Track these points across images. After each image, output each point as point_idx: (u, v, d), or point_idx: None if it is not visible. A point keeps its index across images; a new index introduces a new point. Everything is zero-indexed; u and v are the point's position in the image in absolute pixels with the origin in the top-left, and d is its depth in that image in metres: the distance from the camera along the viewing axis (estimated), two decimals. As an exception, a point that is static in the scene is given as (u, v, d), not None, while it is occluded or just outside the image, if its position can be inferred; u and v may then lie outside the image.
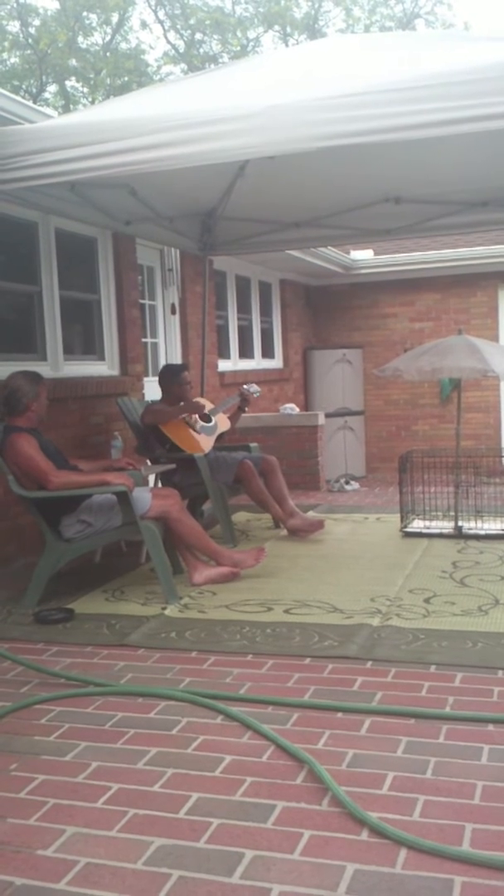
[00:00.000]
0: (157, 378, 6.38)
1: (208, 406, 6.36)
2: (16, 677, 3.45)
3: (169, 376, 6.19)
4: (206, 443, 6.12)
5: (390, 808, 2.31)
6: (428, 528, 6.09)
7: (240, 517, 6.85)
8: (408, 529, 6.09)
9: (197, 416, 6.11)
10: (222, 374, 8.62)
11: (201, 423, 6.20)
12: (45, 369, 5.64)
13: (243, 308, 9.76)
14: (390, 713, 2.93)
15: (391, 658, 3.49)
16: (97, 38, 25.03)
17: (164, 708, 3.07)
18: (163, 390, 6.21)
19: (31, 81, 24.08)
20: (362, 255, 10.99)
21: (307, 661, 3.52)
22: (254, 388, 6.64)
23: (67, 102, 24.21)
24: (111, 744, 2.79)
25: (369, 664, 3.44)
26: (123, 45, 25.12)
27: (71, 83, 24.82)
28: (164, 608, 4.34)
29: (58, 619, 4.19)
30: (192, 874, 2.05)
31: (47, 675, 3.43)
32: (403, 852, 2.10)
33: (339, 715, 2.95)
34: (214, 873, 2.05)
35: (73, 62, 23.72)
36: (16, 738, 2.86)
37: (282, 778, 2.51)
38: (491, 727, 2.80)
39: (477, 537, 5.83)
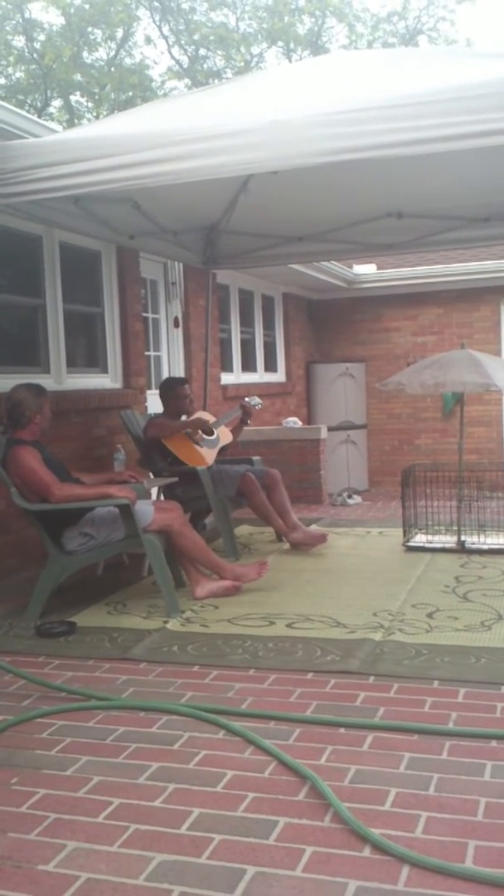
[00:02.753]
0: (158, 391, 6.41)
1: (210, 419, 6.37)
2: (17, 691, 3.44)
3: (168, 390, 6.23)
4: (209, 456, 6.12)
5: (393, 824, 2.30)
6: (430, 542, 6.08)
7: (242, 530, 6.84)
8: (410, 544, 6.08)
9: (200, 430, 6.11)
10: (225, 388, 8.63)
11: (204, 436, 6.21)
12: (48, 382, 5.66)
13: (246, 321, 9.78)
14: (393, 729, 2.92)
15: (394, 673, 3.47)
16: (102, 53, 25.22)
17: (165, 722, 3.06)
18: (163, 404, 6.24)
19: (36, 96, 24.22)
20: (365, 270, 11.02)
21: (309, 675, 3.51)
22: (255, 400, 6.64)
23: (72, 117, 24.34)
24: (113, 758, 2.78)
25: (372, 679, 3.43)
26: (128, 61, 25.29)
27: (75, 98, 24.98)
28: (166, 622, 4.33)
29: (59, 633, 4.19)
30: (194, 890, 2.04)
31: (49, 688, 3.42)
32: (406, 869, 2.09)
33: (342, 730, 2.94)
34: (216, 889, 2.04)
35: (78, 77, 23.87)
36: (17, 752, 2.85)
37: (284, 794, 2.50)
38: (494, 743, 2.78)
39: (480, 552, 5.82)
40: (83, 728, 3.04)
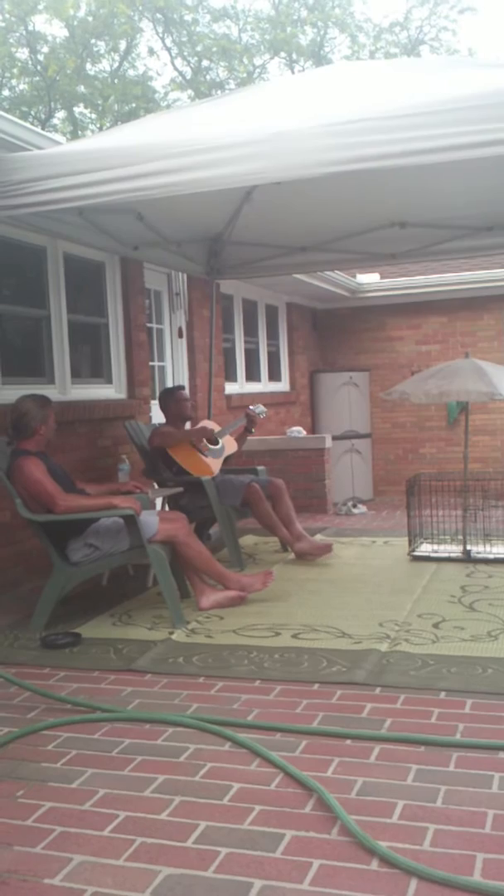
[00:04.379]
0: (158, 401, 6.44)
1: (215, 428, 6.38)
2: (22, 702, 3.43)
3: (167, 396, 6.26)
4: (214, 465, 6.12)
5: (400, 837, 2.29)
6: (436, 552, 6.07)
7: (247, 540, 6.84)
8: (416, 553, 6.07)
9: (205, 439, 6.12)
10: (229, 397, 8.64)
11: (208, 445, 6.21)
12: (52, 392, 5.67)
13: (250, 331, 9.79)
14: (400, 740, 2.91)
15: (400, 684, 3.46)
16: (105, 64, 25.35)
17: (171, 734, 3.05)
18: (164, 412, 6.26)
19: (40, 108, 24.33)
20: (368, 279, 11.04)
21: (315, 686, 3.49)
22: (260, 409, 6.64)
23: (76, 128, 24.45)
24: (118, 771, 2.77)
25: (378, 690, 3.42)
26: (131, 72, 25.41)
27: (79, 109, 25.09)
28: (171, 633, 4.32)
29: (64, 644, 4.18)
30: (201, 905, 2.03)
31: (54, 700, 3.41)
32: (414, 882, 2.07)
33: (348, 742, 2.93)
34: (223, 904, 2.03)
35: (82, 89, 23.99)
36: (22, 765, 2.84)
37: (290, 806, 2.49)
38: (502, 755, 2.77)
39: (486, 561, 5.80)
40: (89, 740, 3.03)
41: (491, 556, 5.85)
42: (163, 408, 6.28)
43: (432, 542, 6.24)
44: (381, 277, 11.07)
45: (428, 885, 2.06)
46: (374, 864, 2.16)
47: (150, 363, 7.36)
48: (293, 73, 24.99)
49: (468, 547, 5.97)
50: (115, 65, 25.33)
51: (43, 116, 24.20)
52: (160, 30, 25.51)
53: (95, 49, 24.44)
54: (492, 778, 2.60)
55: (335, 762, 2.77)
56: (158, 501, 6.03)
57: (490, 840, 2.26)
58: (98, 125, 24.46)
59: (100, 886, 2.12)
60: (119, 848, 2.30)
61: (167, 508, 6.01)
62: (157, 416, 6.95)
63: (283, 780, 2.66)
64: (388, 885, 2.07)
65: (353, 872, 2.13)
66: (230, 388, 8.89)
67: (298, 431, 9.27)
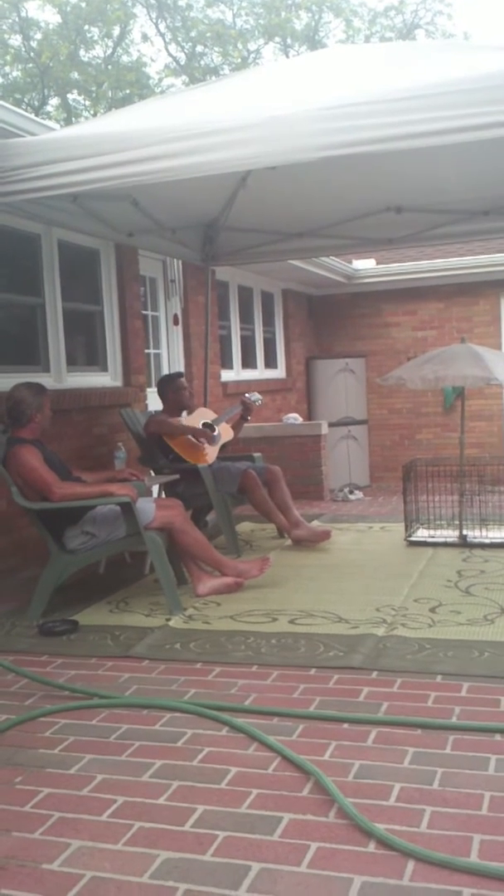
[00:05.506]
0: (157, 388, 6.42)
1: (211, 416, 6.37)
2: (20, 690, 3.44)
3: (166, 384, 6.24)
4: (210, 453, 6.12)
5: (397, 819, 2.30)
6: (432, 537, 6.08)
7: (244, 527, 6.84)
8: (412, 538, 6.08)
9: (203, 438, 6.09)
10: (225, 385, 8.63)
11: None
12: (48, 380, 5.65)
13: (246, 318, 9.77)
14: (397, 724, 2.92)
15: (397, 668, 3.47)
16: (98, 51, 25.18)
17: (169, 720, 3.06)
18: (162, 399, 6.24)
19: (34, 94, 24.20)
20: (364, 265, 11.00)
21: (312, 671, 3.50)
22: (255, 396, 6.64)
23: (69, 115, 24.31)
24: (116, 756, 2.78)
25: (375, 674, 3.43)
26: (125, 58, 25.25)
27: (73, 96, 24.94)
28: (168, 619, 4.33)
29: (62, 631, 4.18)
30: (199, 887, 2.04)
31: (52, 687, 3.42)
32: (411, 864, 2.09)
33: (345, 726, 2.94)
34: (221, 886, 2.04)
35: (75, 75, 23.84)
36: (20, 751, 2.85)
37: (288, 790, 2.50)
38: (498, 737, 2.78)
39: (482, 546, 5.82)
40: (86, 726, 3.03)
41: (487, 541, 5.87)
42: (161, 395, 6.26)
43: (429, 528, 6.25)
44: (377, 263, 11.04)
45: (425, 867, 2.07)
46: (372, 847, 2.17)
47: (146, 350, 7.35)
48: (287, 57, 24.86)
49: (464, 532, 5.98)
50: (109, 51, 25.17)
51: (36, 103, 24.07)
52: (154, 15, 25.35)
53: (89, 35, 24.27)
54: (488, 760, 2.61)
55: (332, 746, 2.77)
56: (155, 489, 6.03)
57: (487, 822, 2.27)
58: (92, 112, 24.32)
59: (98, 871, 2.13)
60: (117, 833, 2.31)
61: (164, 496, 6.01)
62: (153, 404, 6.95)
63: (280, 764, 2.67)
64: (385, 866, 2.08)
65: (350, 855, 2.14)
66: (226, 375, 8.88)
67: (295, 418, 9.27)
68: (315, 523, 6.80)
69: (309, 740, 2.83)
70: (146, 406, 6.99)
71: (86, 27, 23.74)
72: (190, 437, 6.00)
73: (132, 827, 2.33)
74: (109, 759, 2.77)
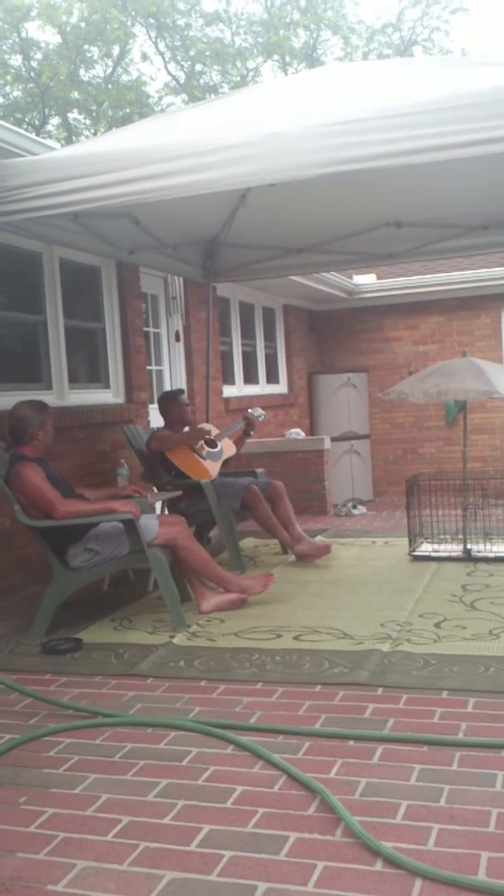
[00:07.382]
0: (158, 405, 6.42)
1: (214, 431, 6.37)
2: (24, 709, 3.43)
3: (167, 400, 6.24)
4: (212, 468, 6.12)
5: (404, 837, 2.28)
6: (436, 551, 6.06)
7: (247, 543, 6.83)
8: (416, 553, 6.06)
9: (203, 441, 6.11)
10: (227, 400, 8.63)
11: (207, 448, 6.20)
12: (50, 398, 5.66)
13: (247, 334, 9.79)
14: (403, 740, 2.90)
15: (402, 684, 3.45)
16: (99, 70, 25.33)
17: (173, 738, 3.05)
18: (164, 416, 6.25)
19: (34, 114, 24.33)
20: (365, 280, 11.04)
21: (317, 688, 3.49)
22: (258, 412, 6.64)
23: (70, 134, 24.44)
24: (121, 775, 2.77)
25: (380, 691, 3.41)
26: (125, 77, 25.40)
27: (73, 115, 25.07)
28: (172, 636, 4.31)
29: (65, 649, 4.17)
30: (205, 908, 2.02)
31: (56, 706, 3.40)
32: (419, 882, 2.07)
33: (351, 743, 2.92)
34: (227, 907, 2.02)
35: (75, 94, 23.97)
36: (24, 771, 2.83)
37: (294, 808, 2.48)
38: (505, 753, 2.76)
39: (486, 560, 5.80)
40: (91, 745, 3.02)
41: (491, 555, 5.85)
42: (163, 412, 6.27)
43: (432, 542, 6.23)
44: (378, 278, 11.08)
45: (433, 885, 2.05)
46: (379, 865, 2.16)
47: (148, 367, 7.35)
48: (286, 75, 25.00)
49: (468, 546, 5.96)
50: (109, 70, 25.33)
51: (37, 123, 24.20)
52: (153, 34, 25.51)
53: (89, 55, 24.43)
54: (495, 777, 2.60)
55: (338, 763, 2.76)
56: (158, 505, 6.02)
57: (494, 839, 2.25)
58: (92, 131, 24.46)
59: (103, 892, 2.11)
60: (122, 853, 2.29)
61: (166, 512, 6.01)
62: (156, 421, 6.95)
63: (286, 783, 2.65)
64: (392, 885, 2.06)
65: (357, 874, 2.12)
66: (228, 391, 8.89)
67: (297, 433, 9.26)
68: (318, 539, 6.79)
69: (315, 758, 2.81)
70: (148, 423, 6.99)
71: (86, 47, 23.91)
72: (190, 443, 6.00)
73: (137, 847, 2.32)
74: (114, 778, 2.75)
